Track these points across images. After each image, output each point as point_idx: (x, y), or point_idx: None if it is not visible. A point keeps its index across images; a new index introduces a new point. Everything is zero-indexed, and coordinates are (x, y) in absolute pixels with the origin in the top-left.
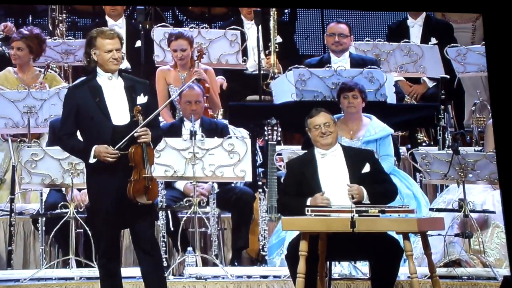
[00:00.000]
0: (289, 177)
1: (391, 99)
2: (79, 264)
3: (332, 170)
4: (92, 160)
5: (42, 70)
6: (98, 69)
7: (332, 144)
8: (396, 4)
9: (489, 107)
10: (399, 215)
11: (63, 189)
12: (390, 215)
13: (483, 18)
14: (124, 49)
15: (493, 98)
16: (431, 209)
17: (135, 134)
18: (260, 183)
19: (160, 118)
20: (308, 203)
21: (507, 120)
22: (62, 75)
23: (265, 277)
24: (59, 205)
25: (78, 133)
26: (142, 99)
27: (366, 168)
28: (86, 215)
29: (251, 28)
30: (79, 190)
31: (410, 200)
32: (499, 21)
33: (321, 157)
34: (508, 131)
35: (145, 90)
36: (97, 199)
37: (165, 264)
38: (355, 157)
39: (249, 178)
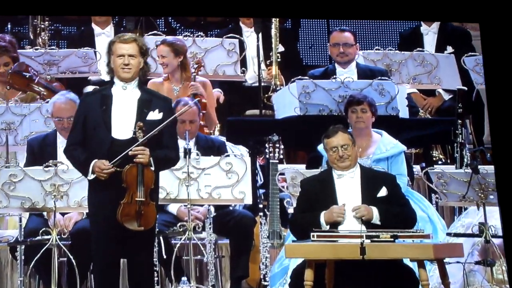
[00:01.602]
0: (303, 197)
1: (404, 113)
2: None
3: (348, 192)
4: (90, 176)
5: None
6: (115, 78)
7: (351, 166)
8: (391, 13)
9: None
10: (413, 240)
11: (45, 213)
12: (404, 241)
13: (480, 28)
14: None
15: (491, 108)
16: (448, 234)
17: (130, 153)
18: (261, 206)
19: None
20: (322, 216)
21: (505, 129)
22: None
23: None
24: (40, 231)
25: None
26: (154, 115)
27: (382, 192)
28: (70, 242)
29: (250, 36)
30: (63, 214)
31: (425, 224)
32: (497, 30)
33: (338, 178)
34: (507, 141)
35: (163, 107)
36: (93, 221)
37: None
38: (372, 180)
39: (249, 200)
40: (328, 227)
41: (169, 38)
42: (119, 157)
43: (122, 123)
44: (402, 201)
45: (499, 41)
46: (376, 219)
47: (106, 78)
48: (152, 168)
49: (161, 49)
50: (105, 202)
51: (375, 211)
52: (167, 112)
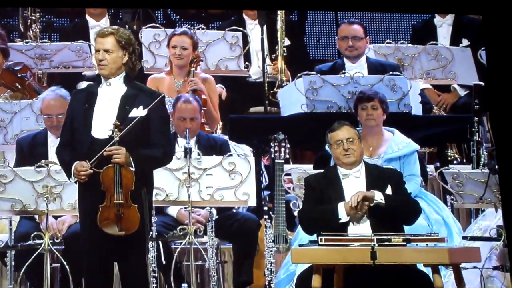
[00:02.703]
0: (310, 194)
1: (417, 110)
2: None
3: (353, 192)
4: (73, 179)
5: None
6: None
7: (356, 163)
8: (392, 5)
9: None
10: (427, 244)
11: (37, 216)
12: (417, 245)
13: (483, 20)
14: None
15: (492, 102)
16: (464, 238)
17: (104, 153)
18: (266, 208)
19: None
20: (341, 207)
21: (507, 124)
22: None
23: None
24: (32, 235)
25: None
26: (138, 112)
27: (388, 191)
28: (63, 246)
29: (254, 29)
30: (55, 217)
31: (440, 227)
32: (499, 22)
33: (343, 178)
34: (508, 137)
35: (149, 103)
36: (82, 225)
37: None
38: (377, 178)
39: (253, 202)
40: (348, 218)
41: (186, 29)
42: (95, 157)
43: (103, 121)
44: (406, 194)
45: (502, 33)
46: (378, 197)
47: None
48: (132, 169)
49: (183, 40)
50: (90, 205)
51: (377, 192)
52: (154, 107)
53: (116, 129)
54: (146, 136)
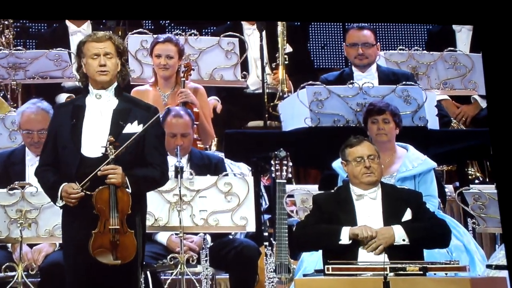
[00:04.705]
0: (316, 215)
1: (433, 123)
2: None
3: (368, 216)
4: (59, 203)
5: None
6: (90, 85)
7: (375, 184)
8: (383, 15)
9: None
10: (446, 274)
11: (9, 245)
12: (435, 274)
13: (473, 29)
14: None
15: (491, 113)
16: (488, 266)
17: (99, 173)
18: (266, 234)
19: None
20: (344, 232)
21: (506, 135)
22: (9, 97)
23: None
24: (3, 266)
25: None
26: (133, 128)
27: (407, 215)
28: (39, 278)
29: (252, 35)
30: (30, 246)
31: (461, 254)
32: (491, 32)
33: (356, 199)
34: (507, 149)
35: (143, 117)
36: (66, 254)
37: None
38: (395, 200)
39: (252, 227)
40: (350, 242)
41: (170, 36)
42: (87, 178)
43: (94, 138)
44: (429, 215)
45: (494, 43)
46: (400, 238)
47: None
48: (129, 190)
49: (168, 48)
50: (78, 231)
51: (396, 229)
52: (150, 124)
53: (110, 146)
54: (140, 154)
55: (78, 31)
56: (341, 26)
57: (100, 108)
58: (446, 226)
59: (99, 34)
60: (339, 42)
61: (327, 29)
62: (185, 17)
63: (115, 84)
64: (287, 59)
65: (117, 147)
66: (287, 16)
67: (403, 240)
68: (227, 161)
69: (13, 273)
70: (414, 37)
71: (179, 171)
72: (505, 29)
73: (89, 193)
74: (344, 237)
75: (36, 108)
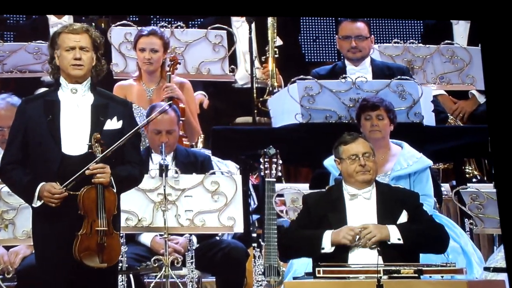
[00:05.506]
0: (304, 217)
1: (429, 120)
2: None
3: (361, 217)
4: (36, 203)
5: None
6: (62, 79)
7: (370, 183)
8: (383, 11)
9: None
10: (442, 276)
11: None
12: (431, 277)
13: (471, 24)
14: None
15: (490, 109)
16: (486, 269)
17: (87, 172)
18: (254, 235)
19: None
20: (327, 236)
21: (505, 132)
22: None
23: None
24: None
25: None
26: (113, 124)
27: (403, 217)
28: (15, 282)
29: (241, 27)
30: (7, 248)
31: (458, 256)
32: (491, 26)
33: (350, 199)
34: (506, 144)
35: (122, 113)
36: (40, 257)
37: None
38: (390, 200)
39: (239, 228)
40: (332, 249)
41: (155, 28)
42: (73, 177)
43: (74, 135)
44: (426, 218)
45: (495, 39)
46: (395, 237)
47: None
48: (114, 190)
49: (152, 41)
50: (55, 234)
51: (391, 228)
52: (128, 119)
53: (96, 144)
54: (118, 151)
55: (59, 23)
56: (333, 19)
57: (76, 103)
58: (444, 230)
59: (76, 25)
60: (332, 35)
61: (319, 21)
62: (172, 12)
63: (89, 78)
64: (277, 52)
65: (103, 144)
66: (278, 11)
67: (398, 239)
68: (214, 159)
69: None
70: (410, 30)
71: (164, 169)
72: (505, 22)
73: (72, 193)
74: (327, 245)
75: (6, 104)
